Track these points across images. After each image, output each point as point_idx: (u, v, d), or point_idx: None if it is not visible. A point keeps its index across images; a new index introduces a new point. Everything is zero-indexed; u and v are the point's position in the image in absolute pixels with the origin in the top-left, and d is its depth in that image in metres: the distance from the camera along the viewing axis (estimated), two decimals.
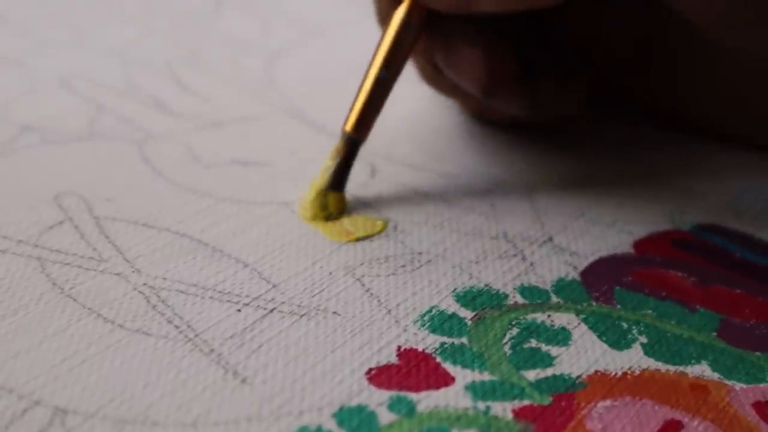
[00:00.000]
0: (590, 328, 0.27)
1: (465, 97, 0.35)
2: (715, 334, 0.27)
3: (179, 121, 0.36)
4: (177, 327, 0.26)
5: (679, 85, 0.35)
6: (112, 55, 0.40)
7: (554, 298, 0.28)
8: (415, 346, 0.26)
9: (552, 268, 0.29)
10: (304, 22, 0.45)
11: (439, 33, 0.31)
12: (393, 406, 0.24)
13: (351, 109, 0.31)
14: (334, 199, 0.31)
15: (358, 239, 0.30)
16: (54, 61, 0.39)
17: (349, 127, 0.31)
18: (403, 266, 0.29)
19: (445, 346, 0.26)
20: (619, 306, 0.28)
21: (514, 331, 0.27)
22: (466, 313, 0.27)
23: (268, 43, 0.42)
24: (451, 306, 0.28)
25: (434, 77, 0.34)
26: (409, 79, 0.39)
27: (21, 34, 0.42)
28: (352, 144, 0.31)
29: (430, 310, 0.27)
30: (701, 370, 0.26)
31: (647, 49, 0.35)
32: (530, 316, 0.27)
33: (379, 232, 0.30)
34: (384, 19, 0.32)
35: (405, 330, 0.27)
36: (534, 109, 0.33)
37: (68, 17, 0.43)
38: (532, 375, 0.25)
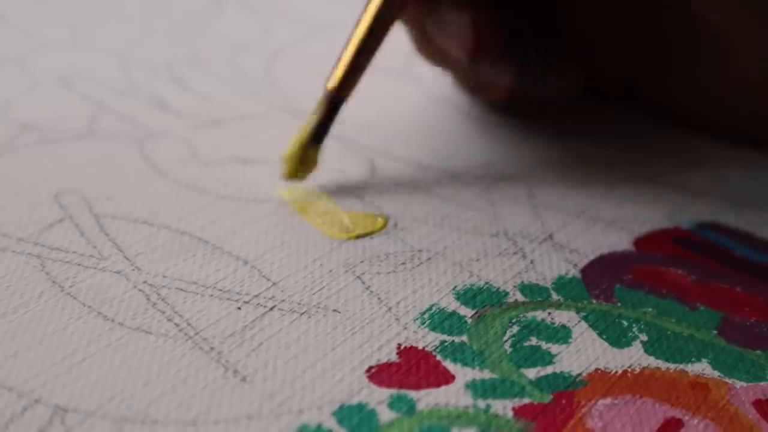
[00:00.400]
0: (590, 326, 0.27)
1: (455, 67, 0.35)
2: (715, 332, 0.27)
3: (179, 120, 0.36)
4: (177, 325, 0.26)
5: (676, 78, 0.35)
6: (112, 54, 0.40)
7: (554, 296, 0.28)
8: (415, 344, 0.26)
9: (552, 266, 0.29)
10: (304, 22, 0.45)
11: (430, 1, 0.31)
12: (393, 404, 0.24)
13: (335, 67, 0.31)
14: (313, 154, 0.31)
15: (358, 237, 0.30)
16: (54, 60, 0.39)
17: (331, 84, 0.31)
18: (403, 264, 0.29)
19: (446, 344, 0.26)
20: (619, 304, 0.28)
21: (515, 329, 0.27)
22: (467, 311, 0.27)
23: (268, 42, 0.42)
24: (452, 304, 0.27)
25: (425, 45, 0.34)
26: (410, 77, 0.39)
27: (21, 34, 0.42)
28: (332, 102, 0.31)
29: (430, 308, 0.27)
30: (701, 368, 0.26)
31: (643, 39, 0.35)
32: (530, 314, 0.27)
33: (380, 230, 0.30)
34: None
35: (405, 328, 0.27)
36: (522, 81, 0.33)
37: (68, 16, 0.43)
38: (532, 373, 0.25)
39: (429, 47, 0.34)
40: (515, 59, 0.32)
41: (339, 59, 0.32)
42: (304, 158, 0.31)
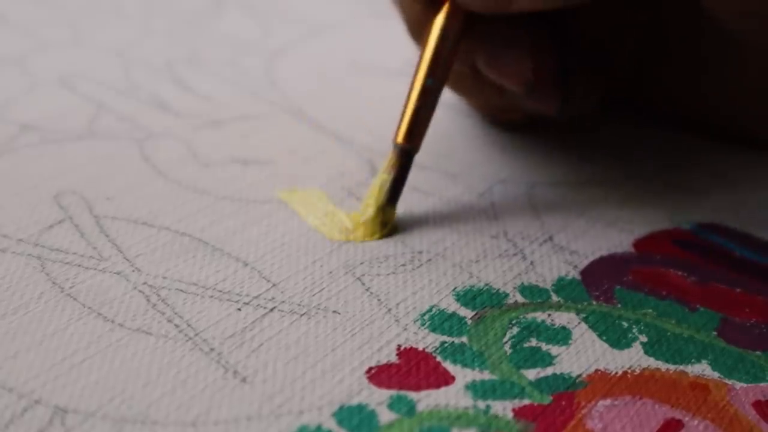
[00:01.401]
0: (590, 327, 0.27)
1: (491, 99, 0.34)
2: (715, 333, 0.27)
3: (179, 120, 0.36)
4: (177, 326, 0.26)
5: (678, 80, 0.35)
6: (112, 55, 0.40)
7: (554, 297, 0.28)
8: (415, 345, 0.26)
9: (552, 267, 0.29)
10: (304, 22, 0.45)
11: (480, 35, 0.31)
12: (393, 405, 0.24)
13: (401, 120, 0.30)
14: (390, 212, 0.30)
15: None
16: (54, 60, 0.39)
17: (401, 138, 0.30)
18: (403, 265, 0.29)
19: (446, 345, 0.26)
20: (619, 305, 0.28)
21: (515, 330, 0.27)
22: (467, 312, 0.27)
23: (268, 42, 0.42)
24: (452, 305, 0.28)
25: (464, 78, 0.33)
26: (409, 79, 0.39)
27: (21, 34, 0.42)
28: (405, 155, 0.30)
29: (430, 309, 0.27)
30: (701, 369, 0.26)
31: (647, 44, 0.34)
32: (530, 315, 0.27)
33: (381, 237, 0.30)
34: (416, 30, 0.32)
35: (405, 329, 0.27)
36: (564, 108, 0.33)
37: (68, 17, 0.43)
38: (532, 374, 0.25)
39: (469, 81, 0.33)
40: (563, 87, 0.32)
41: (403, 110, 0.30)
42: (383, 219, 0.30)
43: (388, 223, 0.30)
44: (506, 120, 0.36)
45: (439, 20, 0.30)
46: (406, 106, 0.30)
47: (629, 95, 0.37)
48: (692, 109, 0.36)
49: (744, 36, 0.31)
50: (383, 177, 0.30)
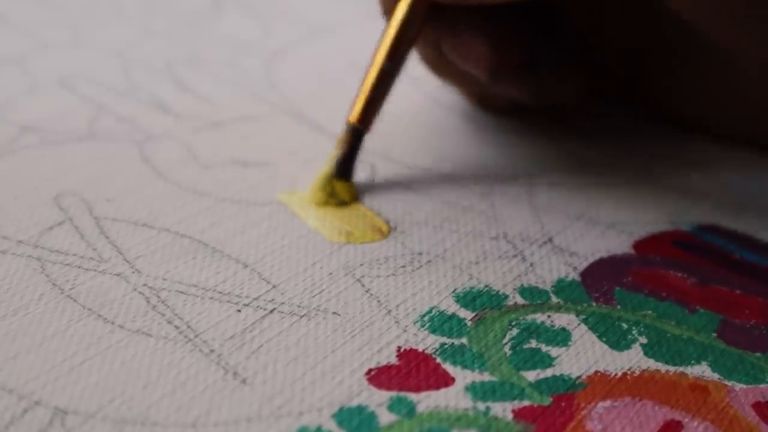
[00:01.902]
0: (590, 328, 0.27)
1: (467, 83, 0.35)
2: (715, 334, 0.27)
3: (179, 122, 0.36)
4: (177, 327, 0.26)
5: (677, 80, 0.35)
6: (112, 56, 0.40)
7: (554, 299, 0.28)
8: (415, 347, 0.26)
9: (552, 269, 0.29)
10: (304, 23, 0.45)
11: (446, 21, 0.32)
12: (393, 406, 0.24)
13: (355, 100, 0.31)
14: (342, 188, 0.31)
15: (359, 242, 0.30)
16: (54, 61, 0.39)
17: (353, 117, 0.31)
18: (402, 267, 0.29)
19: (445, 346, 0.26)
20: (619, 306, 0.28)
21: (514, 331, 0.27)
22: (466, 314, 0.27)
23: (268, 43, 0.42)
24: (451, 306, 0.28)
25: (437, 63, 0.34)
26: (410, 79, 0.39)
27: (21, 34, 0.42)
28: (355, 134, 0.31)
29: (430, 311, 0.27)
30: (701, 370, 0.26)
31: (646, 43, 0.35)
32: (530, 317, 0.27)
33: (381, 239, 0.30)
34: (388, 10, 0.32)
35: (405, 330, 0.27)
36: (538, 96, 0.33)
37: (68, 17, 0.43)
38: (532, 375, 0.25)
39: (441, 64, 0.34)
40: (532, 76, 0.33)
41: (359, 91, 0.31)
42: (333, 192, 0.31)
43: (340, 195, 0.31)
44: (491, 106, 0.37)
45: (403, 5, 0.31)
46: (361, 87, 0.31)
47: (625, 95, 0.37)
48: (690, 112, 0.36)
49: (717, 37, 0.31)
50: (333, 153, 0.32)
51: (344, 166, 0.31)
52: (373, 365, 0.25)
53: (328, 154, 0.32)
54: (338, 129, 0.35)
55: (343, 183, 0.31)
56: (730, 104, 0.34)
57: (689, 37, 0.33)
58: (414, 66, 0.40)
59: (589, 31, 0.35)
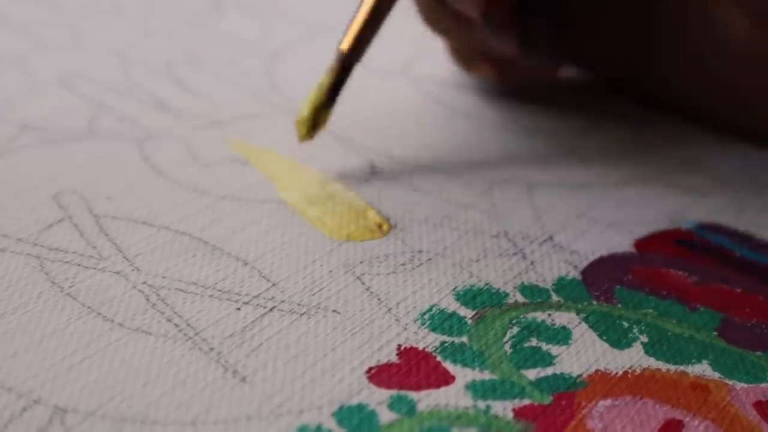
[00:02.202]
0: (591, 327, 0.27)
1: (458, 32, 0.35)
2: (715, 333, 0.27)
3: (179, 121, 0.36)
4: (176, 325, 0.26)
5: (671, 64, 0.35)
6: (112, 55, 0.40)
7: (555, 297, 0.28)
8: (415, 345, 0.26)
9: (552, 267, 0.29)
10: (304, 22, 0.44)
11: None
12: (393, 405, 0.24)
13: (348, 29, 0.32)
14: (324, 115, 0.32)
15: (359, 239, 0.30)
16: (54, 60, 0.39)
17: (345, 45, 0.32)
18: (403, 264, 0.29)
19: (446, 345, 0.26)
20: (619, 305, 0.28)
21: (515, 330, 0.27)
22: (467, 312, 0.27)
23: (268, 43, 0.42)
24: (452, 305, 0.27)
25: (432, 9, 0.34)
26: (410, 78, 0.39)
27: (21, 34, 0.41)
28: (347, 62, 0.32)
29: (430, 309, 0.27)
30: (702, 369, 0.26)
31: (639, 24, 0.35)
32: (531, 315, 0.27)
33: (381, 237, 0.30)
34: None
35: (405, 329, 0.26)
36: (523, 48, 0.33)
37: (69, 17, 0.43)
38: (532, 374, 0.25)
39: (438, 12, 0.34)
40: (520, 23, 0.33)
41: (351, 20, 0.32)
42: (316, 121, 0.32)
43: (319, 125, 0.32)
44: (481, 75, 0.37)
45: None
46: (354, 17, 0.32)
47: (618, 79, 0.37)
48: (685, 101, 0.36)
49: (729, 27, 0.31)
50: (323, 79, 0.32)
51: (333, 95, 0.32)
52: (373, 363, 0.25)
53: (325, 152, 0.32)
54: (338, 128, 0.35)
55: (325, 112, 0.32)
56: (721, 94, 0.34)
57: (686, 29, 0.33)
58: (415, 67, 0.40)
59: (591, 12, 0.35)
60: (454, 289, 0.28)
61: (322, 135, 0.35)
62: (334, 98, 0.32)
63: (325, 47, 0.43)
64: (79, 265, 0.28)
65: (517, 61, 0.35)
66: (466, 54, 0.37)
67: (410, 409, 0.24)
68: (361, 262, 0.29)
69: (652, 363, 0.26)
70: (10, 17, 0.43)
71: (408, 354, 0.26)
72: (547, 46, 0.35)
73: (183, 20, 0.44)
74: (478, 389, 0.25)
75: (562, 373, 0.25)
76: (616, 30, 0.35)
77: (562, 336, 0.27)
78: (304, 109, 0.32)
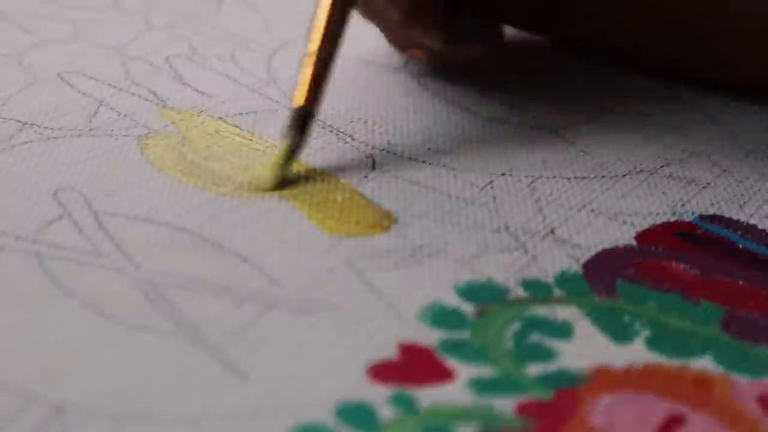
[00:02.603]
0: (593, 321, 0.27)
1: (389, 26, 0.35)
2: (718, 326, 0.27)
3: (179, 117, 0.35)
4: (176, 322, 0.26)
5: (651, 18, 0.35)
6: (111, 50, 0.40)
7: (557, 292, 0.28)
8: (416, 341, 0.26)
9: (554, 261, 0.29)
10: (305, 18, 0.44)
11: None
12: (394, 401, 0.24)
13: (299, 82, 0.32)
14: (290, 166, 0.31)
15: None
16: (53, 56, 0.39)
17: (298, 101, 0.31)
18: (404, 260, 0.29)
19: (447, 340, 0.26)
20: (621, 299, 0.28)
21: (517, 325, 0.27)
22: (468, 307, 0.27)
23: (269, 39, 0.42)
24: (453, 300, 0.27)
25: (363, 3, 0.34)
26: (410, 73, 0.39)
27: (20, 29, 0.41)
28: (303, 118, 0.31)
29: (431, 305, 0.27)
30: (705, 363, 0.26)
31: None
32: (533, 310, 0.27)
33: (382, 232, 0.30)
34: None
35: (406, 325, 0.26)
36: (449, 47, 0.34)
37: (68, 12, 0.43)
38: (534, 369, 0.25)
39: (367, 4, 0.34)
40: (445, 26, 0.33)
41: (301, 74, 0.31)
42: (283, 176, 0.31)
43: (289, 174, 0.31)
44: (415, 58, 0.37)
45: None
46: (303, 69, 0.32)
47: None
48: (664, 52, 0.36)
49: None
50: (283, 141, 0.31)
51: (295, 152, 0.31)
52: (374, 360, 0.25)
53: (325, 148, 0.32)
54: (339, 124, 0.35)
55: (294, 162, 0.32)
56: (706, 43, 0.34)
57: None
58: (414, 62, 0.39)
59: None
60: (455, 285, 0.28)
61: (323, 132, 0.35)
62: (298, 152, 0.32)
63: None
64: (78, 261, 0.28)
65: (444, 53, 0.35)
66: (397, 43, 0.37)
67: (411, 405, 0.24)
68: (362, 258, 0.28)
69: (655, 357, 0.26)
70: (10, 12, 0.43)
71: (409, 350, 0.25)
72: (479, 42, 0.35)
73: (183, 15, 0.44)
74: (480, 385, 0.24)
75: (564, 368, 0.25)
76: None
77: (564, 331, 0.26)
78: (268, 170, 0.31)
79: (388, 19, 0.34)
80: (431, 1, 0.33)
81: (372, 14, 0.35)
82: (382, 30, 0.36)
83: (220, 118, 0.35)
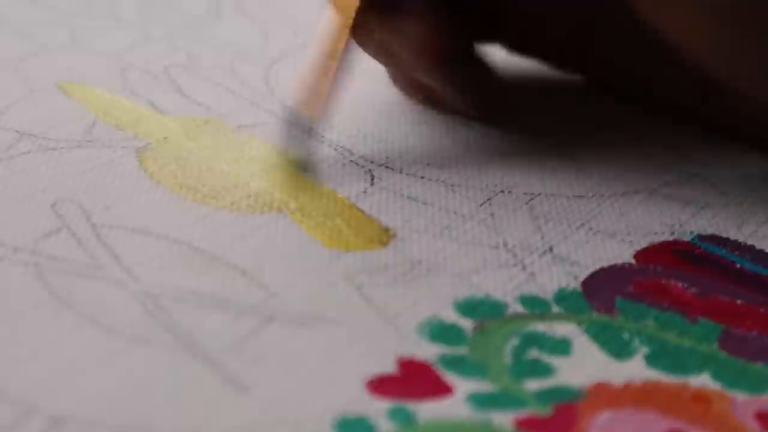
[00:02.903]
0: (592, 338, 0.27)
1: (392, 64, 0.34)
2: (716, 344, 0.27)
3: (178, 128, 0.35)
4: (175, 335, 0.26)
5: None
6: (110, 60, 0.40)
7: (555, 308, 0.28)
8: (414, 356, 0.26)
9: (552, 278, 0.29)
10: (305, 29, 0.44)
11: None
12: (392, 416, 0.24)
13: (300, 91, 0.31)
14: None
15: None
16: (52, 65, 0.39)
17: (303, 108, 0.31)
18: (402, 275, 0.29)
19: (445, 355, 0.26)
20: (620, 316, 0.28)
21: (515, 340, 0.27)
22: (467, 323, 0.27)
23: (268, 49, 0.42)
24: (451, 315, 0.27)
25: (366, 36, 0.33)
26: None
27: (19, 38, 0.41)
28: (305, 124, 0.31)
29: (429, 320, 0.27)
30: (703, 380, 0.26)
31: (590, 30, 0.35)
32: (531, 326, 0.27)
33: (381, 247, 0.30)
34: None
35: (404, 339, 0.26)
36: (453, 97, 0.34)
37: (66, 21, 0.43)
38: (533, 385, 0.25)
39: (370, 39, 0.33)
40: (453, 76, 0.33)
41: (307, 81, 0.31)
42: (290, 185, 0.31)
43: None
44: (416, 100, 0.37)
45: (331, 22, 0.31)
46: (307, 78, 0.31)
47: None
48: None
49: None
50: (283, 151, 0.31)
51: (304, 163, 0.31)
52: (372, 374, 0.25)
53: (323, 162, 0.32)
54: (337, 137, 0.35)
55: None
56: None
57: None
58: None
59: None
60: (453, 300, 0.28)
61: (322, 146, 0.35)
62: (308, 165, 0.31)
63: None
64: (77, 274, 0.28)
65: (444, 98, 0.35)
66: (409, 87, 0.37)
67: (410, 419, 0.24)
68: (361, 273, 0.29)
69: (654, 374, 0.26)
70: (8, 20, 0.43)
71: (407, 365, 0.26)
72: (472, 93, 0.35)
73: (182, 25, 0.44)
74: (478, 400, 0.25)
75: (563, 384, 0.25)
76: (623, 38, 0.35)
77: (563, 347, 0.27)
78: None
79: (401, 59, 0.33)
80: (441, 49, 0.32)
81: (376, 50, 0.34)
82: (392, 72, 0.36)
83: (219, 129, 0.35)
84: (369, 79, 0.37)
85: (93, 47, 0.41)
